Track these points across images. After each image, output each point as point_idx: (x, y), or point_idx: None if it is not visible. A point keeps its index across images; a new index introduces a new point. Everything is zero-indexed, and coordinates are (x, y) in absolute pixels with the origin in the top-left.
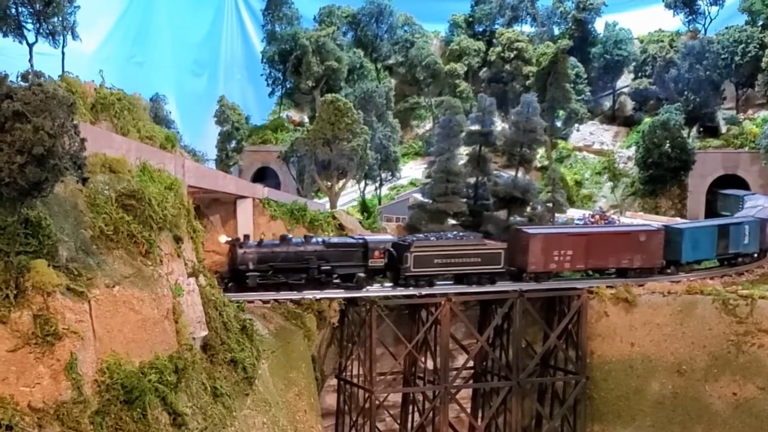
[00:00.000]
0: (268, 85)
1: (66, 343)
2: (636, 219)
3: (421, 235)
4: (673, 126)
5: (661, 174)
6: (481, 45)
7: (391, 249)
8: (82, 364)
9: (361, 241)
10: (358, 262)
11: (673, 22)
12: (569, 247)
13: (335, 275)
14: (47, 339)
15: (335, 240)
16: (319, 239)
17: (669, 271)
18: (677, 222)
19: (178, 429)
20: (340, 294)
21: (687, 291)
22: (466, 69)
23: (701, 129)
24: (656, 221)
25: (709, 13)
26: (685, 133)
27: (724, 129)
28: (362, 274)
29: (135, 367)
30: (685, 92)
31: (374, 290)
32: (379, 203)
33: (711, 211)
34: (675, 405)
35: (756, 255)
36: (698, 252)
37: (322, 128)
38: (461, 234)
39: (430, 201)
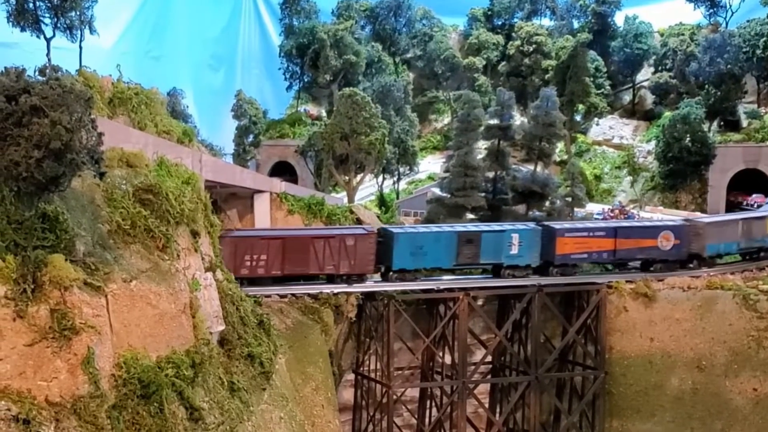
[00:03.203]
0: (285, 79)
1: (83, 337)
2: (655, 214)
3: None
4: (694, 120)
5: (681, 168)
6: (500, 39)
7: None
8: (99, 359)
9: None
10: None
11: (694, 15)
12: (263, 251)
13: None
14: (64, 333)
15: None
16: None
17: (394, 275)
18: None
19: (195, 423)
20: (358, 288)
21: (707, 286)
22: (484, 63)
23: (722, 123)
24: (676, 216)
25: (730, 5)
26: (705, 127)
27: (745, 123)
28: None
29: (152, 361)
30: (706, 86)
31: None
32: (397, 197)
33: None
34: (695, 401)
35: (535, 267)
36: (422, 259)
37: (340, 122)
38: None
39: (449, 195)
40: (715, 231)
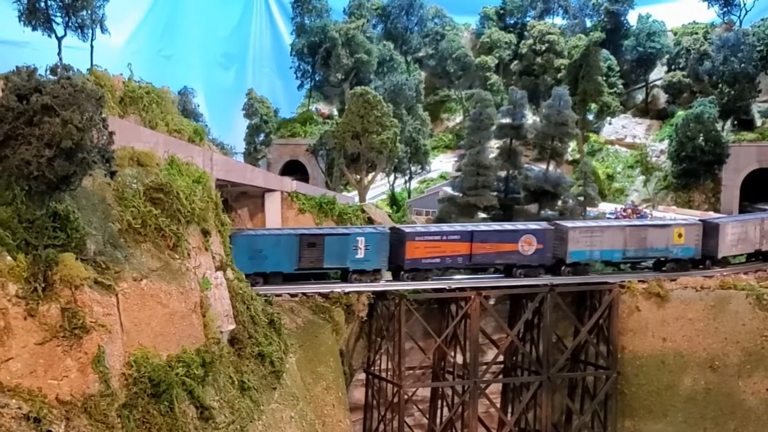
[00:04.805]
0: (297, 77)
1: (94, 336)
2: (668, 213)
3: None
4: (707, 119)
5: (695, 168)
6: (512, 37)
7: None
8: (110, 358)
9: None
10: None
11: (707, 13)
12: None
13: None
14: (75, 332)
15: None
16: None
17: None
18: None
19: (205, 422)
20: (369, 287)
21: (720, 286)
22: (497, 62)
23: (735, 122)
24: (689, 215)
25: (744, 4)
26: (719, 126)
27: (759, 122)
28: None
29: (162, 360)
30: (720, 85)
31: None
32: (409, 196)
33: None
34: (707, 401)
35: (380, 270)
36: (262, 263)
37: (352, 121)
38: None
39: (460, 194)
40: (581, 237)
